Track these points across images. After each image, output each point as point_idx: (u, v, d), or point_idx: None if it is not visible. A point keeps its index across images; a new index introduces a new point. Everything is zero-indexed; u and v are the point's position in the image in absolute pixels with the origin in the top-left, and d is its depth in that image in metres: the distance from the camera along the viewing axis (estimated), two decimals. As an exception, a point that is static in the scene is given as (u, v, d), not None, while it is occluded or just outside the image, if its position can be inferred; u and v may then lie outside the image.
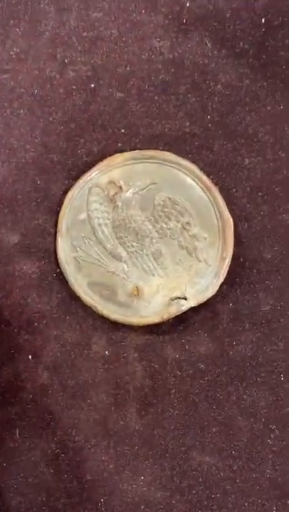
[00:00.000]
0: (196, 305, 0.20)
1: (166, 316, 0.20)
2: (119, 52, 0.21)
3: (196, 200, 0.20)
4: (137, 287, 0.20)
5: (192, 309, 0.20)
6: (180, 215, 0.20)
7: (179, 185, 0.20)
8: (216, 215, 0.20)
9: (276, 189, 0.21)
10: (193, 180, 0.20)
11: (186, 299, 0.20)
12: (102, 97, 0.21)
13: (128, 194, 0.20)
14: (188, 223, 0.20)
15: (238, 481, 0.21)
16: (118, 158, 0.20)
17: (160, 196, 0.20)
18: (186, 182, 0.20)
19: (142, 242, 0.20)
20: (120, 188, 0.20)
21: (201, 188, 0.20)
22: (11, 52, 0.21)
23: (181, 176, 0.20)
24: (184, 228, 0.20)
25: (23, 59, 0.21)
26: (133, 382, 0.21)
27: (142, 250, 0.20)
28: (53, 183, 0.21)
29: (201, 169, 0.20)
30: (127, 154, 0.20)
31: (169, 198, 0.20)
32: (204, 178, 0.20)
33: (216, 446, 0.21)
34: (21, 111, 0.21)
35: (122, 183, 0.20)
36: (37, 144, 0.21)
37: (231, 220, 0.20)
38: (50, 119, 0.21)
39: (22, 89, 0.21)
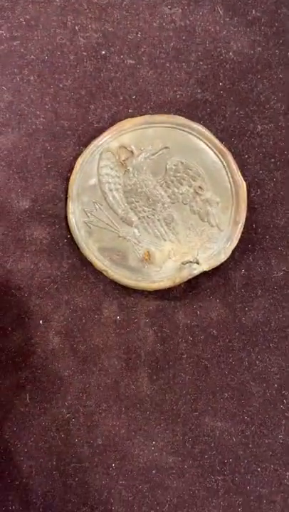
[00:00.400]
0: (208, 269, 0.19)
1: (178, 281, 0.18)
2: (131, 19, 0.20)
3: (209, 165, 0.18)
4: (148, 252, 0.19)
5: (204, 275, 0.19)
6: (192, 180, 0.18)
7: (191, 149, 0.19)
8: (228, 179, 0.18)
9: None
10: (206, 144, 0.19)
11: (198, 263, 0.18)
12: (112, 63, 0.20)
13: (139, 159, 0.19)
14: (200, 188, 0.18)
15: (250, 446, 0.20)
16: (129, 122, 0.19)
17: (172, 161, 0.19)
18: (199, 146, 0.19)
19: (153, 207, 0.19)
20: (131, 152, 0.19)
21: (214, 152, 0.18)
22: (21, 19, 0.20)
23: (193, 140, 0.18)
24: (196, 193, 0.19)
25: (33, 26, 0.20)
26: (144, 347, 0.20)
27: (153, 215, 0.19)
28: (64, 149, 0.19)
29: (214, 135, 0.19)
30: (137, 119, 0.19)
31: (181, 163, 0.18)
32: (217, 141, 0.19)
33: (228, 412, 0.20)
34: (31, 77, 0.20)
35: (133, 147, 0.19)
36: (47, 111, 0.20)
37: (244, 183, 0.18)
38: (61, 86, 0.20)
39: (32, 56, 0.20)
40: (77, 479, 0.20)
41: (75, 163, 0.19)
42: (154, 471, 0.20)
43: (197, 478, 0.20)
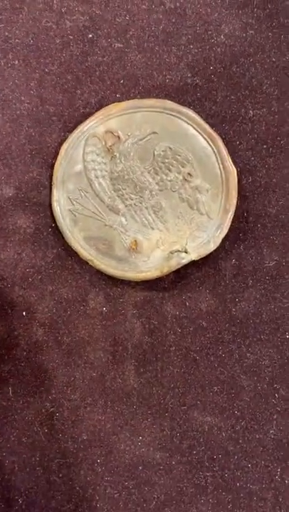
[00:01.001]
0: (197, 259, 0.18)
1: (166, 270, 0.18)
2: (119, 1, 0.19)
3: (198, 150, 0.18)
4: (135, 241, 0.18)
5: (193, 265, 0.19)
6: (181, 166, 0.18)
7: (180, 134, 0.18)
8: (218, 165, 0.18)
9: (282, 142, 0.19)
10: (195, 129, 0.18)
11: (186, 252, 0.18)
12: (100, 47, 0.19)
13: (126, 144, 0.18)
14: (189, 174, 0.18)
15: (240, 441, 0.19)
16: (116, 107, 0.18)
17: (160, 146, 0.18)
18: (188, 131, 0.18)
19: (140, 194, 0.18)
20: (118, 138, 0.18)
21: (204, 137, 0.18)
22: (5, 1, 0.20)
23: (182, 125, 0.18)
24: (186, 180, 0.18)
25: (18, 8, 0.19)
26: (131, 339, 0.19)
27: (140, 203, 0.18)
28: (49, 135, 0.19)
29: (204, 120, 0.18)
30: (125, 103, 0.18)
31: (170, 148, 0.18)
32: (206, 126, 0.18)
33: (217, 406, 0.19)
34: (16, 62, 0.19)
35: (120, 132, 0.18)
36: (32, 96, 0.19)
37: (235, 170, 0.18)
38: (46, 70, 0.19)
39: (17, 40, 0.19)
40: (61, 475, 0.19)
41: (60, 149, 0.19)
42: (140, 467, 0.19)
43: (185, 475, 0.19)
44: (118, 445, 0.19)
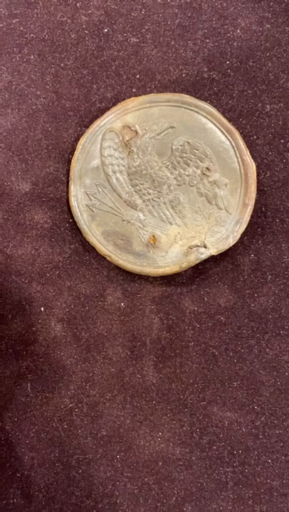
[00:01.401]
0: (216, 254, 0.18)
1: (184, 265, 0.17)
2: None
3: (216, 145, 0.17)
4: (153, 236, 0.18)
5: (211, 261, 0.18)
6: (199, 161, 0.17)
7: (198, 129, 0.18)
8: (237, 159, 0.17)
9: None
10: (213, 123, 0.17)
11: (205, 247, 0.17)
12: (115, 42, 0.19)
13: (144, 139, 0.17)
14: (208, 169, 0.17)
15: (260, 437, 0.19)
16: (133, 101, 0.18)
17: (178, 141, 0.17)
18: (206, 125, 0.17)
19: (158, 189, 0.18)
20: (135, 132, 0.17)
21: (221, 131, 0.17)
22: None
23: (200, 119, 0.17)
24: (204, 174, 0.17)
25: (33, 3, 0.19)
26: (150, 334, 0.19)
27: (158, 198, 0.18)
28: (65, 130, 0.18)
29: (221, 114, 0.18)
30: (142, 97, 0.18)
31: (188, 143, 0.17)
32: (224, 120, 0.17)
33: (237, 401, 0.19)
34: (31, 56, 0.19)
35: (137, 127, 0.17)
36: (48, 91, 0.19)
37: (254, 164, 0.17)
38: (62, 65, 0.19)
39: (32, 35, 0.19)
40: (80, 471, 0.19)
41: (76, 144, 0.18)
42: (160, 463, 0.19)
43: (205, 470, 0.19)
44: (138, 441, 0.19)
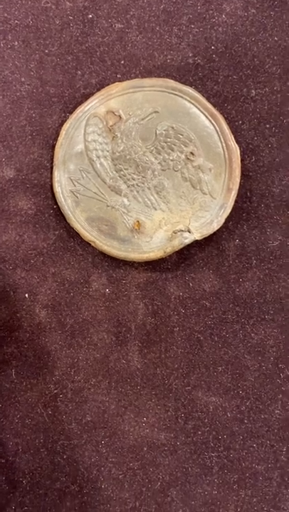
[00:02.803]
0: (200, 238, 0.17)
1: (168, 250, 0.17)
2: None
3: (200, 129, 0.17)
4: (138, 222, 0.17)
5: (196, 246, 0.18)
6: (183, 146, 0.17)
7: (182, 113, 0.17)
8: (221, 144, 0.17)
9: (284, 121, 0.18)
10: (197, 108, 0.17)
11: (189, 232, 0.17)
12: (100, 28, 0.18)
13: (128, 124, 0.17)
14: (192, 153, 0.17)
15: (245, 421, 0.19)
16: (117, 86, 0.18)
17: (162, 125, 0.17)
18: (190, 110, 0.17)
19: (143, 174, 0.17)
20: (119, 117, 0.17)
21: (206, 116, 0.17)
22: None
23: (184, 103, 0.17)
24: (188, 159, 0.17)
25: (17, -11, 0.18)
26: (135, 320, 0.19)
27: (143, 183, 0.17)
28: (49, 116, 0.18)
29: (206, 99, 0.17)
30: (126, 83, 0.18)
31: (172, 127, 0.17)
32: (209, 105, 0.17)
33: (222, 386, 0.19)
34: (16, 43, 0.18)
35: (121, 112, 0.17)
36: (32, 77, 0.18)
37: (238, 148, 0.17)
38: (46, 51, 0.18)
39: (16, 21, 0.18)
40: (65, 457, 0.19)
41: (60, 130, 0.18)
42: (145, 448, 0.19)
43: (190, 455, 0.19)
44: (122, 426, 0.19)
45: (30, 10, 0.19)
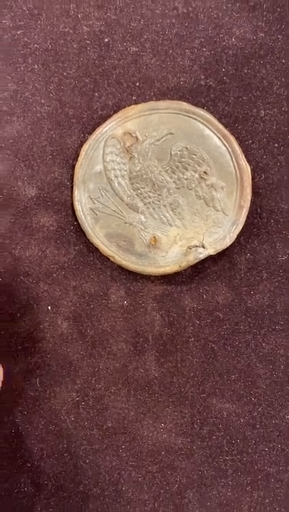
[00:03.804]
0: (214, 253, 0.18)
1: (184, 265, 0.18)
2: (133, 6, 0.19)
3: (213, 150, 0.18)
4: (154, 238, 0.18)
5: (210, 260, 0.19)
6: (197, 165, 0.18)
7: (195, 134, 0.18)
8: (233, 163, 0.18)
9: None
10: (210, 129, 0.18)
11: (204, 247, 0.18)
12: (116, 51, 0.19)
13: (144, 145, 0.18)
14: (205, 173, 0.18)
15: (258, 426, 0.19)
16: (133, 109, 0.18)
17: (177, 146, 0.18)
18: (203, 131, 0.18)
19: (158, 192, 0.18)
20: (136, 139, 0.18)
21: (218, 137, 0.18)
22: (24, 8, 0.19)
23: (197, 125, 0.18)
24: (202, 178, 0.18)
25: (36, 14, 0.19)
26: (152, 331, 0.19)
27: (159, 201, 0.18)
28: (68, 136, 0.19)
29: (217, 120, 0.18)
30: (142, 105, 0.18)
31: (186, 148, 0.18)
32: (221, 126, 0.18)
33: (235, 393, 0.19)
34: (35, 66, 0.19)
35: (137, 133, 0.18)
36: (52, 99, 0.19)
37: (249, 167, 0.18)
38: (65, 74, 0.19)
39: (36, 45, 0.19)
40: (87, 461, 0.19)
41: (80, 150, 0.19)
42: (163, 452, 0.19)
43: (206, 459, 0.19)
44: (141, 432, 0.19)
45: (49, 34, 0.19)
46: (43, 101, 0.19)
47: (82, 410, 0.19)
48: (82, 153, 0.18)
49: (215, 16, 0.19)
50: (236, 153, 0.18)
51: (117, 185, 0.19)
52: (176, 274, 0.19)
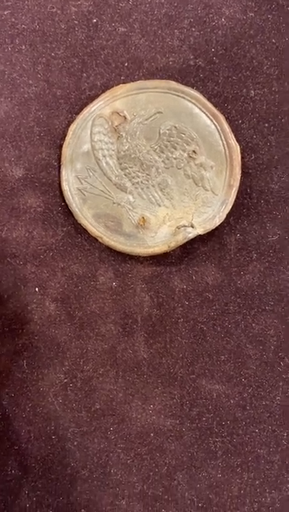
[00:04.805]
0: (203, 233, 0.18)
1: (173, 245, 0.17)
2: None
3: (202, 129, 0.17)
4: (143, 218, 0.18)
5: (199, 240, 0.18)
6: (186, 144, 0.17)
7: (184, 113, 0.18)
8: (222, 142, 0.17)
9: (282, 120, 0.19)
10: (199, 108, 0.18)
11: (192, 227, 0.17)
12: (104, 31, 0.19)
13: (132, 124, 0.17)
14: (194, 152, 0.17)
15: (248, 408, 0.19)
16: (121, 88, 0.18)
17: (165, 125, 0.17)
18: (192, 110, 0.18)
19: (147, 172, 0.18)
20: (124, 118, 0.18)
21: (207, 115, 0.17)
22: None
23: (186, 104, 0.17)
24: (190, 157, 0.17)
25: (24, -5, 0.18)
26: (141, 312, 0.19)
27: (147, 181, 0.18)
28: (56, 117, 0.18)
29: (207, 100, 0.18)
30: (130, 84, 0.18)
31: (175, 127, 0.17)
32: (210, 105, 0.18)
33: (225, 374, 0.19)
34: (23, 47, 0.19)
35: (125, 113, 0.18)
36: (39, 80, 0.19)
37: (238, 146, 0.17)
38: (53, 55, 0.19)
39: (23, 26, 0.19)
40: (75, 443, 0.19)
41: (67, 130, 0.18)
42: (152, 434, 0.19)
43: (195, 441, 0.19)
44: (130, 413, 0.19)
45: (36, 15, 0.19)
46: (30, 82, 0.19)
47: (70, 392, 0.19)
48: (70, 132, 0.18)
49: (204, -5, 0.19)
50: (225, 132, 0.18)
51: (104, 164, 0.18)
52: (165, 255, 0.19)
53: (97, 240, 0.19)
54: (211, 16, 0.19)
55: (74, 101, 0.19)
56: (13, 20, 0.19)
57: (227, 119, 0.18)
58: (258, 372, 0.19)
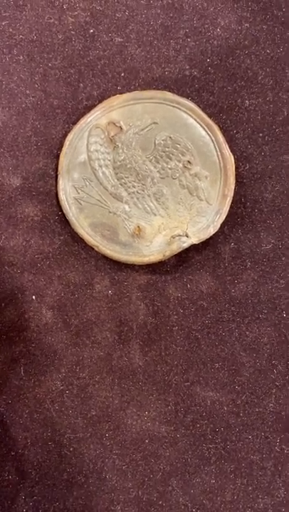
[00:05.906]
0: (197, 242, 0.18)
1: (167, 254, 0.18)
2: None
3: (197, 139, 0.18)
4: (138, 227, 0.18)
5: (194, 249, 0.18)
6: (181, 155, 0.18)
7: (179, 124, 0.18)
8: (216, 153, 0.18)
9: (277, 130, 0.19)
10: (194, 119, 0.18)
11: (187, 237, 0.17)
12: (101, 42, 0.19)
13: (128, 134, 0.18)
14: (189, 162, 0.18)
15: (241, 414, 0.19)
16: (117, 99, 0.18)
17: (161, 136, 0.18)
18: (187, 121, 0.18)
19: (143, 182, 0.18)
20: (120, 128, 0.18)
21: (202, 126, 0.18)
22: None
23: (181, 115, 0.18)
24: (185, 167, 0.18)
25: (22, 5, 0.19)
26: (136, 320, 0.19)
27: (143, 190, 0.18)
28: (53, 127, 0.19)
29: (202, 110, 0.18)
30: (126, 95, 0.18)
31: (170, 138, 0.18)
32: (204, 116, 0.18)
33: (219, 382, 0.19)
34: (21, 57, 0.19)
35: (122, 123, 0.18)
36: (37, 89, 0.19)
37: (232, 157, 0.17)
38: (50, 65, 0.19)
39: (21, 36, 0.19)
40: (71, 449, 0.19)
41: (64, 140, 0.19)
42: (147, 441, 0.19)
43: (189, 447, 0.19)
44: (125, 420, 0.19)
45: (34, 25, 0.19)
46: (28, 92, 0.19)
47: (67, 399, 0.19)
48: (67, 142, 0.18)
49: (200, 6, 0.19)
50: (219, 142, 0.18)
51: (101, 174, 0.18)
52: (161, 263, 0.19)
53: (93, 249, 0.19)
54: (206, 26, 0.19)
55: (71, 111, 0.19)
56: (11, 30, 0.19)
57: (222, 128, 0.18)
58: (251, 380, 0.19)
